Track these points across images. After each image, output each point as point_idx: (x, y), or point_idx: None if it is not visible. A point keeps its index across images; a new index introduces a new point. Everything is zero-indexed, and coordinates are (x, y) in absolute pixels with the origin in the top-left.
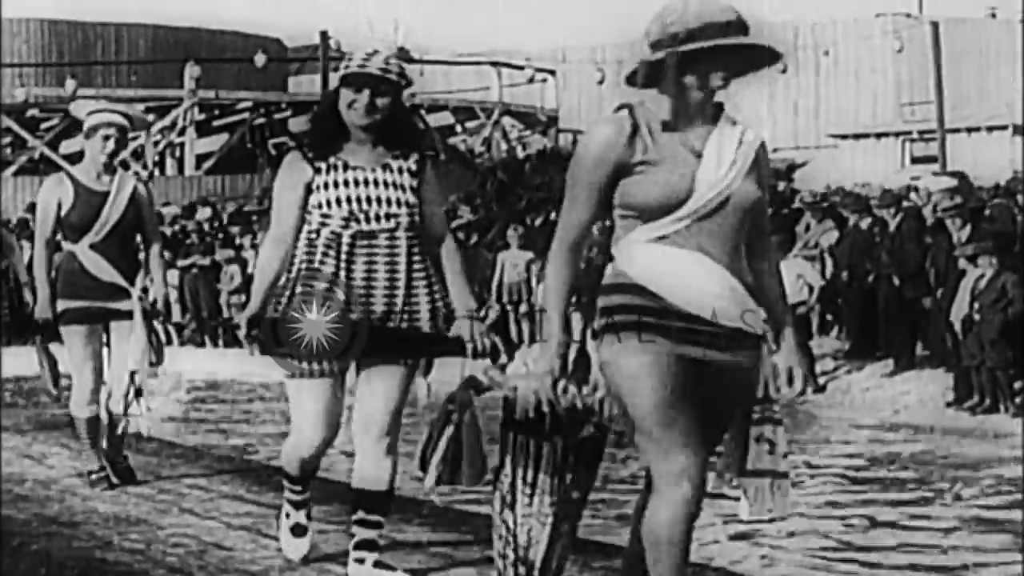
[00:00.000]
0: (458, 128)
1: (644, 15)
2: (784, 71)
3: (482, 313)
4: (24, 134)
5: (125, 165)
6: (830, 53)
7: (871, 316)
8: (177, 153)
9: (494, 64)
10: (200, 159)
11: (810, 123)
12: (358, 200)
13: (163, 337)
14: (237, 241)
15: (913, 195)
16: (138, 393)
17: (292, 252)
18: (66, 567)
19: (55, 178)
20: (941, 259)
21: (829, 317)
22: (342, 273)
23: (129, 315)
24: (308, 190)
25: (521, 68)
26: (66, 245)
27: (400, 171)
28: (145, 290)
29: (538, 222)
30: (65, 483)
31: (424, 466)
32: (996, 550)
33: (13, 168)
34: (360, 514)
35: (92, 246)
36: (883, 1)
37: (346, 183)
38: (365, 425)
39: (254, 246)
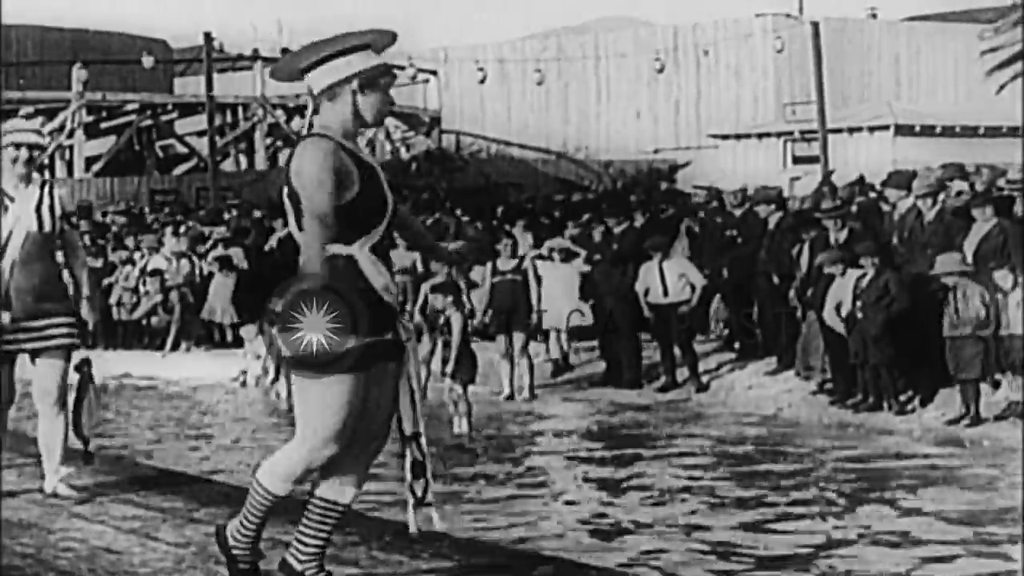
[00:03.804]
0: None
1: (524, 15)
2: (662, 71)
3: None
4: None
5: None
6: (710, 53)
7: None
8: (67, 155)
9: None
10: (89, 161)
11: (691, 123)
12: None
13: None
14: (124, 242)
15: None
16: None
17: None
18: None
19: (327, 145)
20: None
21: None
22: None
23: (398, 354)
24: None
25: (403, 68)
26: (335, 247)
27: None
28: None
29: (428, 223)
30: None
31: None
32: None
33: None
34: None
35: (375, 248)
36: (763, 1)
37: None
38: None
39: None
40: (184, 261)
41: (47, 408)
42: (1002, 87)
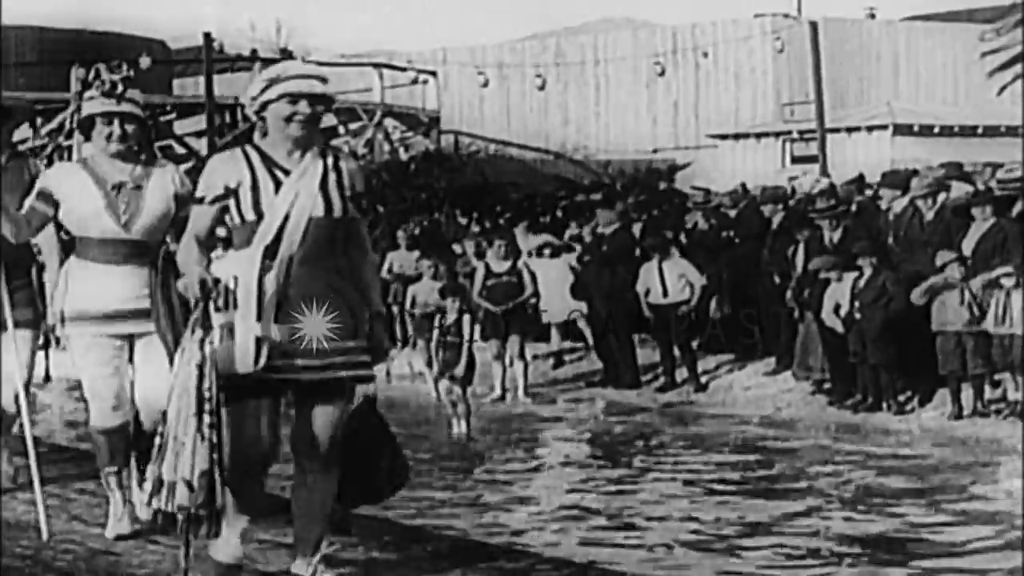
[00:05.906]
0: (341, 130)
1: (524, 18)
2: (663, 73)
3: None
4: None
5: None
6: (709, 54)
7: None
8: (65, 156)
9: (376, 65)
10: None
11: (690, 124)
12: None
13: None
14: None
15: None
16: None
17: None
18: None
19: None
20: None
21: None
22: None
23: None
24: None
25: (403, 70)
26: None
27: None
28: None
29: (425, 223)
30: None
31: None
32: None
33: None
34: None
35: None
36: (761, 1)
37: None
38: None
39: None
40: None
41: (311, 464)
42: (1003, 88)
